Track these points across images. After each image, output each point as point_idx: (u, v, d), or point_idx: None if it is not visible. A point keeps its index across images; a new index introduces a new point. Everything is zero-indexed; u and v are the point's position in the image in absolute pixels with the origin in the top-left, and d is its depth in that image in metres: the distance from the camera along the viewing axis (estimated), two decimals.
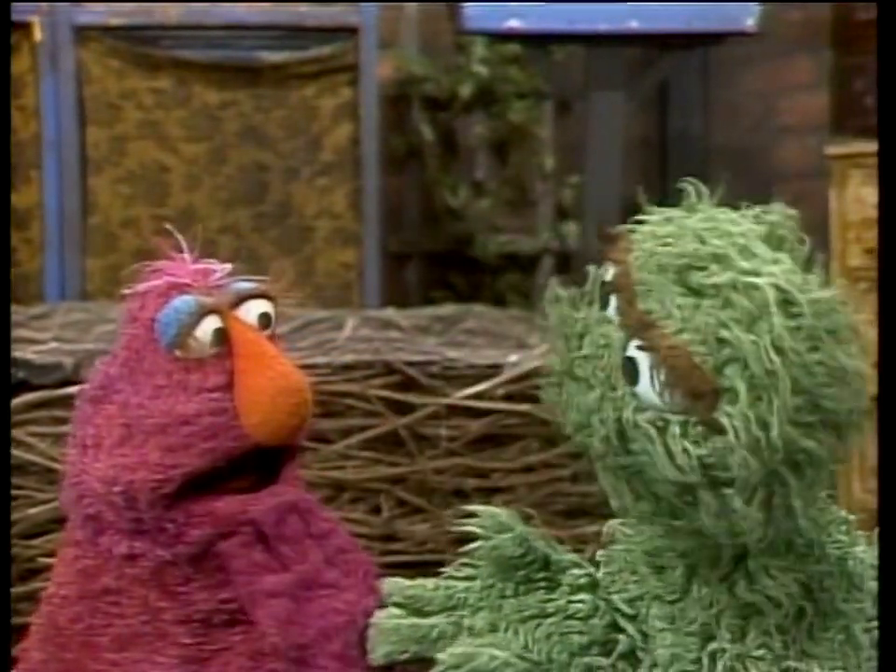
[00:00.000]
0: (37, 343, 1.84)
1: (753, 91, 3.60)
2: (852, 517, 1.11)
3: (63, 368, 1.71)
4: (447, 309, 2.33)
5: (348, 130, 2.82)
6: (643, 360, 0.98)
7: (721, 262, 0.98)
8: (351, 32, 2.80)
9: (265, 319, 1.21)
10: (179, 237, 1.24)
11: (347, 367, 1.78)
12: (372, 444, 1.77)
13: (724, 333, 0.95)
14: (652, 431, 0.97)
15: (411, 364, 1.79)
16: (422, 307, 2.50)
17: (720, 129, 3.62)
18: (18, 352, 1.72)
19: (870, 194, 2.51)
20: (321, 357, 1.77)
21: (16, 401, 1.69)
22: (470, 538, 1.13)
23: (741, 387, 0.94)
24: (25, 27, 2.67)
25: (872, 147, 2.48)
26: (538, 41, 2.82)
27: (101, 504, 1.18)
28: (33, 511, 1.69)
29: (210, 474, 1.18)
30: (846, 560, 1.06)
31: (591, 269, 1.06)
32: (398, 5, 3.38)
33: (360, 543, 1.74)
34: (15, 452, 1.68)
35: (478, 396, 1.77)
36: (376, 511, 1.76)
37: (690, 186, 1.06)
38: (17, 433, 1.68)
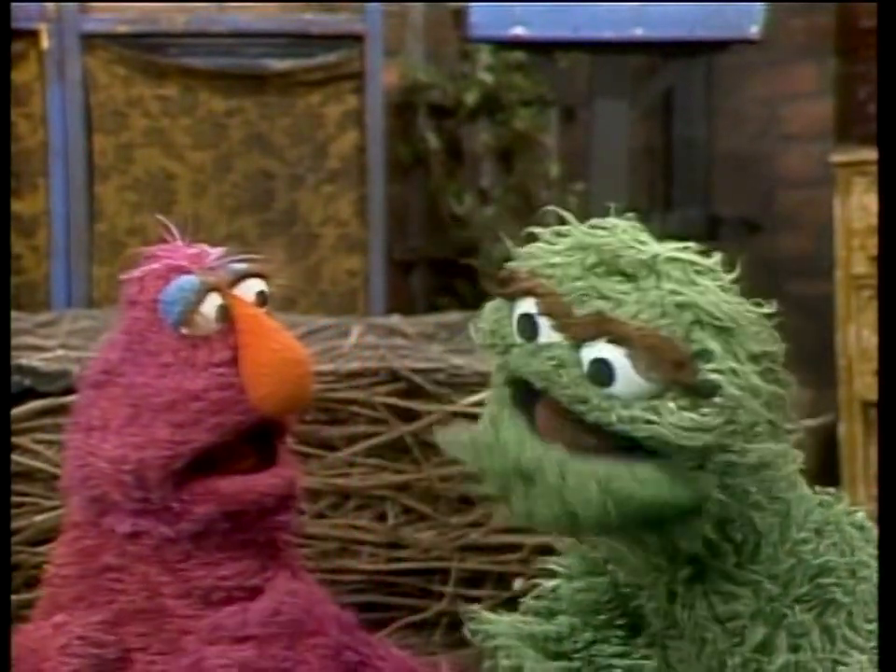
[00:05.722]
0: (44, 350, 1.84)
1: (757, 98, 3.60)
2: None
3: (70, 375, 1.71)
4: (452, 316, 2.33)
5: (354, 137, 2.82)
6: (615, 356, 0.97)
7: (632, 247, 0.99)
8: (356, 39, 2.80)
9: (262, 297, 1.25)
10: (168, 224, 1.29)
11: (353, 374, 1.78)
12: (378, 451, 1.77)
13: (679, 298, 0.96)
14: (651, 415, 0.97)
15: (416, 371, 1.79)
16: (427, 314, 2.50)
17: (724, 136, 3.62)
18: (24, 359, 1.73)
19: (874, 202, 2.51)
20: (326, 365, 1.78)
21: (22, 409, 1.69)
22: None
23: (713, 346, 0.95)
24: (33, 35, 2.67)
25: (876, 154, 2.49)
26: (543, 49, 2.82)
27: (108, 484, 1.22)
28: (39, 518, 1.69)
29: (213, 454, 1.21)
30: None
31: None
32: (403, 12, 3.38)
33: (366, 550, 1.74)
34: (21, 459, 1.68)
35: (483, 403, 1.77)
36: (382, 518, 1.77)
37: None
38: (23, 440, 1.68)
